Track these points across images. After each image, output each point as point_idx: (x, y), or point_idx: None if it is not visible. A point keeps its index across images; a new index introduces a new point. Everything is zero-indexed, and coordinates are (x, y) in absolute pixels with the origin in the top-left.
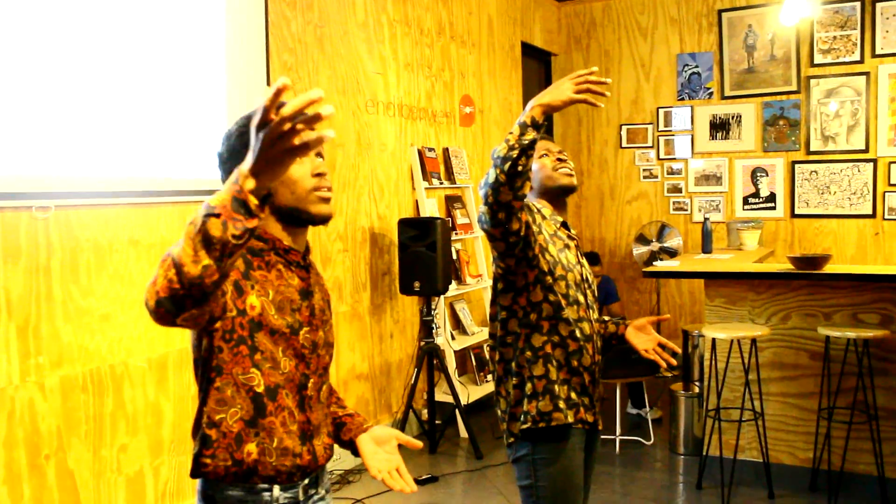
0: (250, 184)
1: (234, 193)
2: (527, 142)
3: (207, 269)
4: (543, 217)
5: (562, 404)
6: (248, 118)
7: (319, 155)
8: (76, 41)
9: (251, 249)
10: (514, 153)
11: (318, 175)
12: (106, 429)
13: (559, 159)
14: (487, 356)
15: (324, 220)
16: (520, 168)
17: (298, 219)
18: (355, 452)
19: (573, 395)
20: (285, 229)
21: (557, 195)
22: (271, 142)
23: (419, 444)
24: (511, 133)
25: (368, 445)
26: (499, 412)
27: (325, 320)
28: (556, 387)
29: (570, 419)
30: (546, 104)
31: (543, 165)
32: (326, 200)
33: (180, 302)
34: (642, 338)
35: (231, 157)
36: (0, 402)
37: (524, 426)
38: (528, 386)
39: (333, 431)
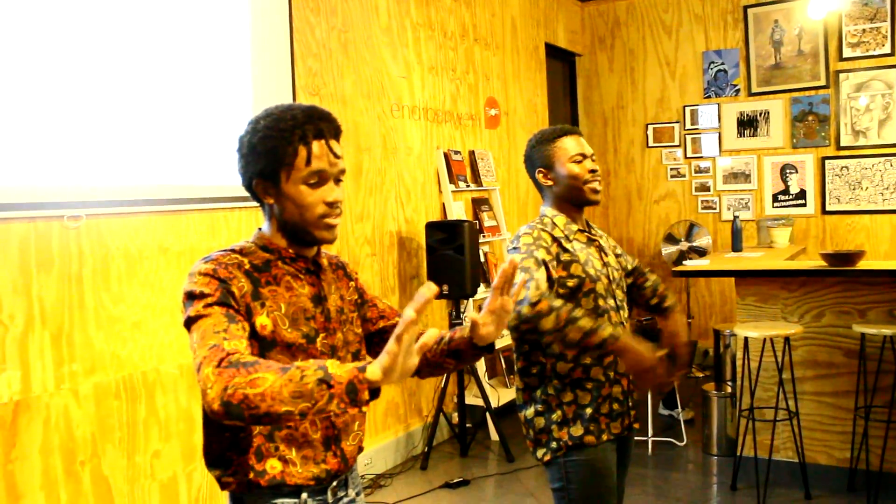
0: (376, 378)
1: (354, 378)
2: (588, 345)
3: (280, 418)
4: (557, 237)
5: (592, 427)
6: (278, 120)
7: (338, 182)
8: (104, 51)
9: (256, 266)
10: (572, 337)
11: (330, 204)
12: (139, 435)
13: (592, 171)
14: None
15: (326, 243)
16: (567, 348)
17: (302, 238)
18: (480, 351)
19: (616, 405)
20: (290, 245)
21: (579, 206)
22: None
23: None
24: (598, 322)
25: (480, 322)
26: (523, 432)
27: (344, 320)
28: (590, 410)
29: (605, 438)
30: (625, 350)
31: (574, 174)
32: (331, 227)
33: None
34: None
35: (250, 152)
36: (36, 410)
37: (558, 453)
38: (558, 413)
39: (453, 360)
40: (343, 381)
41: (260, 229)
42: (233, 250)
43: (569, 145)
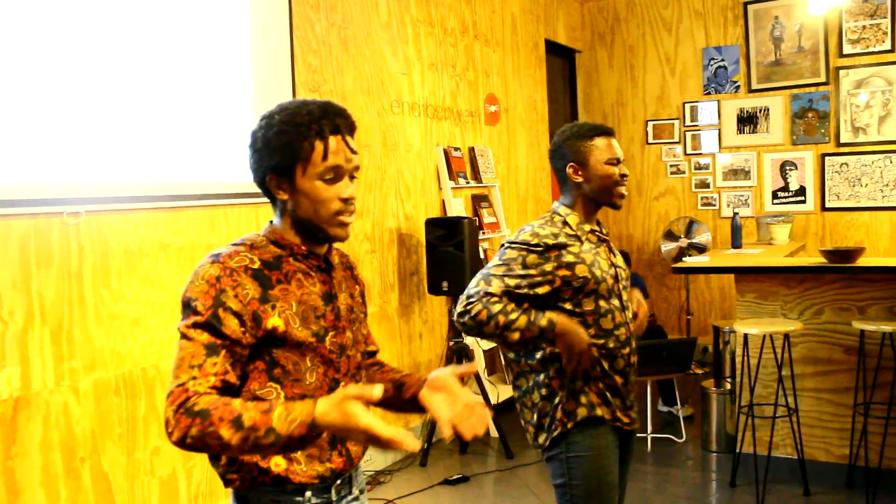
0: (318, 427)
1: (307, 434)
2: (529, 337)
3: (227, 450)
4: (565, 237)
5: (584, 399)
6: (294, 115)
7: (353, 178)
8: (104, 48)
9: (267, 263)
10: (513, 339)
11: (345, 200)
12: (139, 431)
13: (623, 175)
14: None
15: (339, 240)
16: (510, 347)
17: (315, 235)
18: (421, 409)
19: (608, 393)
20: (304, 242)
21: (598, 207)
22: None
23: (475, 366)
24: (533, 315)
25: (432, 398)
26: (523, 422)
27: (353, 319)
28: (586, 388)
29: (598, 412)
30: (561, 334)
31: (608, 175)
32: (345, 225)
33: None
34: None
35: (264, 147)
36: (36, 406)
37: (555, 433)
38: (560, 395)
39: (394, 395)
40: (295, 438)
41: (272, 222)
42: (243, 243)
43: (605, 146)
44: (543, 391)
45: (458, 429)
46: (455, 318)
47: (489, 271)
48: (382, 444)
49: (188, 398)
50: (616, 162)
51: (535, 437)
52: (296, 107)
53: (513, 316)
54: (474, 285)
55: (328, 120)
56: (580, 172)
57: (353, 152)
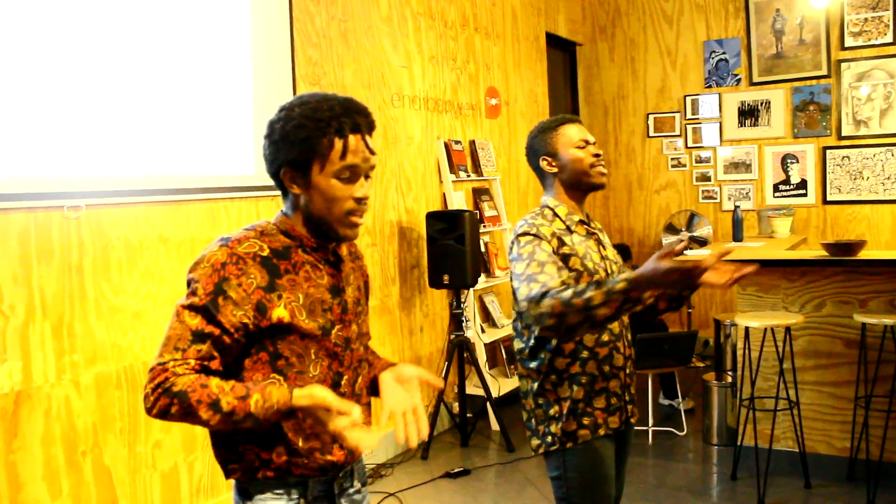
0: (293, 410)
1: (279, 416)
2: (617, 308)
3: (207, 427)
4: (558, 229)
5: (587, 421)
6: (315, 110)
7: (367, 178)
8: (104, 41)
9: (276, 251)
10: (601, 316)
11: (359, 200)
12: (140, 425)
13: (596, 155)
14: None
15: (347, 241)
16: (602, 325)
17: (325, 234)
18: (376, 391)
19: (613, 399)
20: (313, 236)
21: (585, 192)
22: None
23: (440, 382)
24: (603, 284)
25: (389, 384)
26: (524, 422)
27: (359, 312)
28: (582, 405)
29: (602, 432)
30: (644, 283)
31: (579, 158)
32: (356, 226)
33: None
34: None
35: (282, 140)
36: (37, 400)
37: (552, 448)
38: (555, 409)
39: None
40: (271, 420)
41: (283, 212)
42: (254, 229)
43: (572, 132)
44: (540, 400)
45: (396, 427)
46: (536, 327)
47: (526, 273)
48: (341, 440)
49: (167, 378)
50: (585, 144)
51: (530, 438)
52: (317, 101)
53: (588, 294)
54: (527, 292)
55: (349, 118)
56: (553, 163)
57: (372, 152)
